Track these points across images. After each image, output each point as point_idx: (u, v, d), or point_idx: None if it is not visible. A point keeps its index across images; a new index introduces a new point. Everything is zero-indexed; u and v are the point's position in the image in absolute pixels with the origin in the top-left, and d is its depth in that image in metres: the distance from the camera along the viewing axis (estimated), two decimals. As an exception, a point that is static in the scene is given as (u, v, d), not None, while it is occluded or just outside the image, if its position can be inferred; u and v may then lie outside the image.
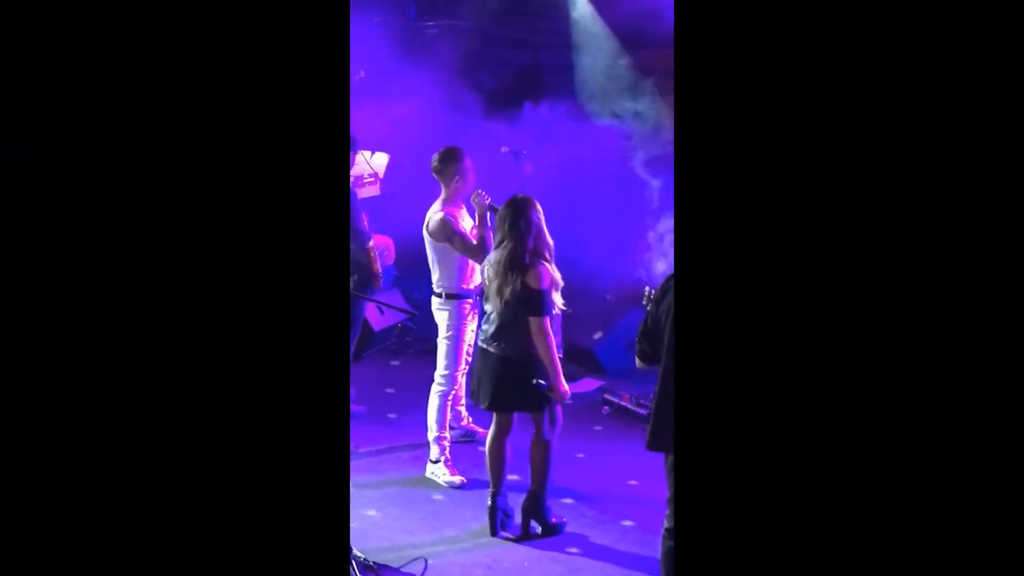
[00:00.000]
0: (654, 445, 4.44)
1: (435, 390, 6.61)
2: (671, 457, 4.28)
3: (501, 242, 5.75)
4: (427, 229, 6.51)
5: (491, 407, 5.92)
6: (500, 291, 5.71)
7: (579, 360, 8.43)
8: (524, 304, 5.64)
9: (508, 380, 5.78)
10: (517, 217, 5.68)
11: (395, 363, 8.11)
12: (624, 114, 8.62)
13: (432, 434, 6.60)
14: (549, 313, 5.62)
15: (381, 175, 8.55)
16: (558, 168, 8.46)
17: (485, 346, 5.88)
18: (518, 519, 5.97)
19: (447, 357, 6.57)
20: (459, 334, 6.54)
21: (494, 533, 5.91)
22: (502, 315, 5.70)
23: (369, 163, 8.52)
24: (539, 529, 5.91)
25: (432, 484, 6.55)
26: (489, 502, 5.95)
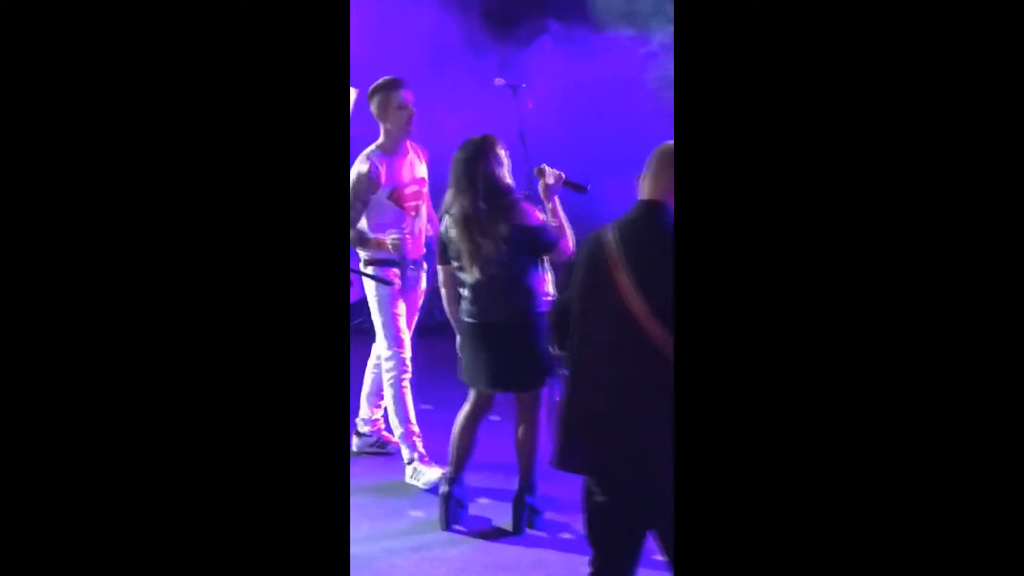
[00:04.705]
0: (565, 463, 3.69)
1: (385, 379, 5.74)
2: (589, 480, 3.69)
3: (455, 197, 5.05)
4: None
5: (493, 387, 5.19)
6: (473, 253, 4.99)
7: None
8: (530, 250, 5.02)
9: (506, 352, 5.08)
10: (465, 165, 5.01)
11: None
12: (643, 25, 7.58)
13: (397, 431, 5.75)
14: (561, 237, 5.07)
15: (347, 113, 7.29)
16: (565, 103, 7.46)
17: (470, 319, 5.11)
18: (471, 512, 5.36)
19: (387, 337, 5.70)
20: (391, 308, 5.66)
21: (446, 527, 5.20)
22: (483, 276, 5.03)
23: (332, 99, 7.27)
24: (528, 523, 5.24)
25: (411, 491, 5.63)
26: (444, 489, 5.24)
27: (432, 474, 5.56)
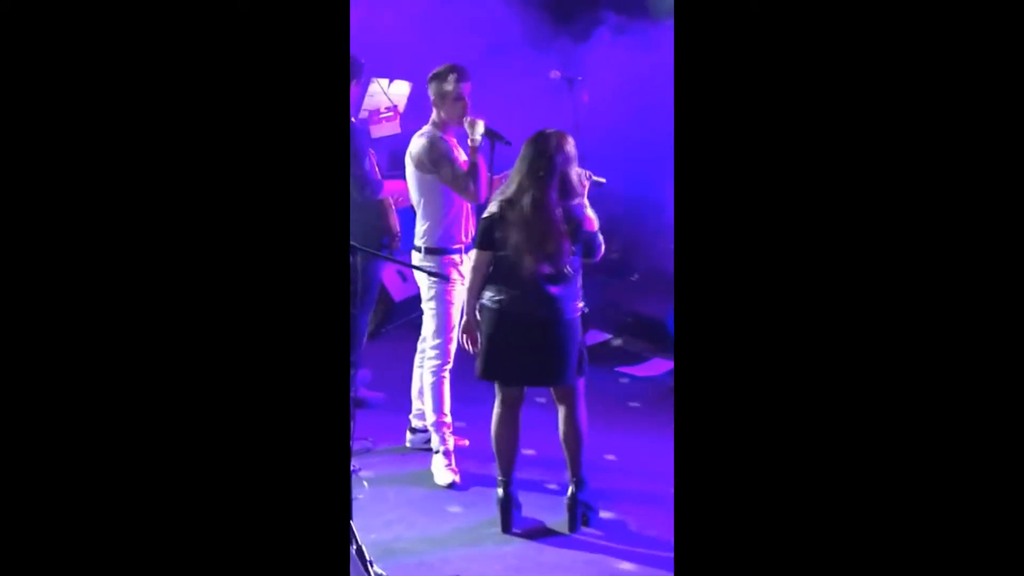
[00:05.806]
0: None
1: (427, 367, 5.73)
2: None
3: (522, 185, 4.93)
4: (410, 155, 5.65)
5: (518, 381, 5.10)
6: (532, 244, 4.88)
7: (647, 334, 7.46)
8: (584, 253, 5.06)
9: (532, 346, 5.00)
10: (542, 156, 4.90)
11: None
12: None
13: (429, 419, 5.75)
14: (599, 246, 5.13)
15: (401, 108, 7.40)
16: (622, 95, 7.36)
17: (498, 307, 5.00)
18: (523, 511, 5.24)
19: (436, 326, 5.67)
20: (447, 296, 5.62)
21: (507, 530, 5.11)
22: (533, 269, 4.94)
23: (386, 93, 7.39)
24: (583, 521, 5.16)
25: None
26: (500, 493, 5.13)
27: (443, 478, 5.57)
